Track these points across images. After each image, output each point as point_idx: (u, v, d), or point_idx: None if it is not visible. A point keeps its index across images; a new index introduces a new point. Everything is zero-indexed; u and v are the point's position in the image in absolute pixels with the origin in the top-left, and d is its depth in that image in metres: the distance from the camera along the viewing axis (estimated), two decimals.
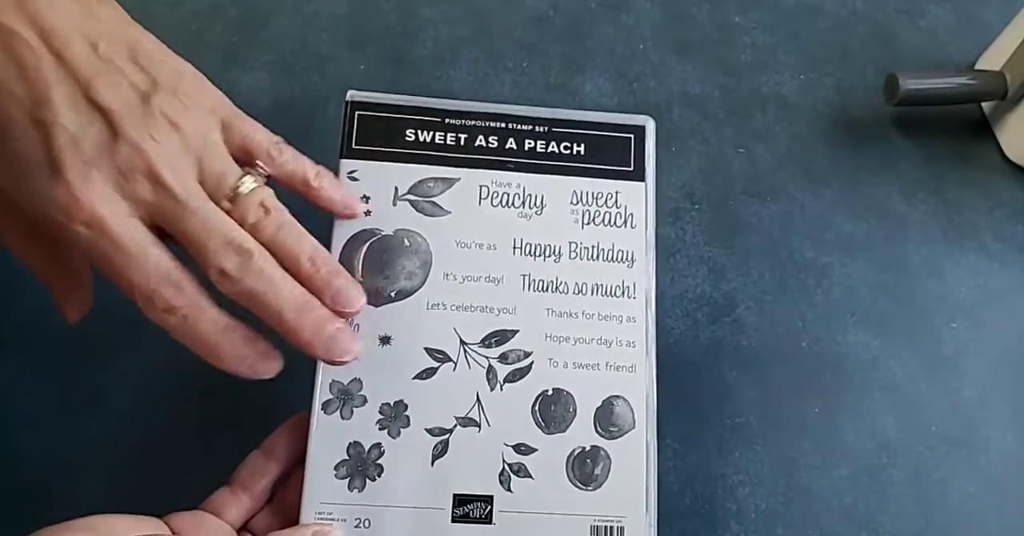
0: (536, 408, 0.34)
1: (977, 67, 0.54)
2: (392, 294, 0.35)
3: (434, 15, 0.55)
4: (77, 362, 0.44)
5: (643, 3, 0.57)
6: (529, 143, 0.37)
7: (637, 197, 0.37)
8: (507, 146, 0.37)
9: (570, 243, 0.36)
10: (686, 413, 0.44)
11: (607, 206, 0.37)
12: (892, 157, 0.52)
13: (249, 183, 0.32)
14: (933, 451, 0.44)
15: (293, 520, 0.33)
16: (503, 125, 0.37)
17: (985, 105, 0.54)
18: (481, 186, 0.36)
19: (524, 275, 0.35)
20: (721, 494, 0.43)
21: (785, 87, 0.54)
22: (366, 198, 0.36)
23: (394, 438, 0.33)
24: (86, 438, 0.42)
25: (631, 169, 0.37)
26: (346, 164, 0.36)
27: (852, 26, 0.57)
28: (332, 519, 0.32)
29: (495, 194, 0.36)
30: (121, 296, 0.45)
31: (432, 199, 0.36)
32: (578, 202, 0.36)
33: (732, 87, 0.54)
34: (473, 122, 0.37)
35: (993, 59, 0.53)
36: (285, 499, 0.34)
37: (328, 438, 0.33)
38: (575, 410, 0.34)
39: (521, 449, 0.34)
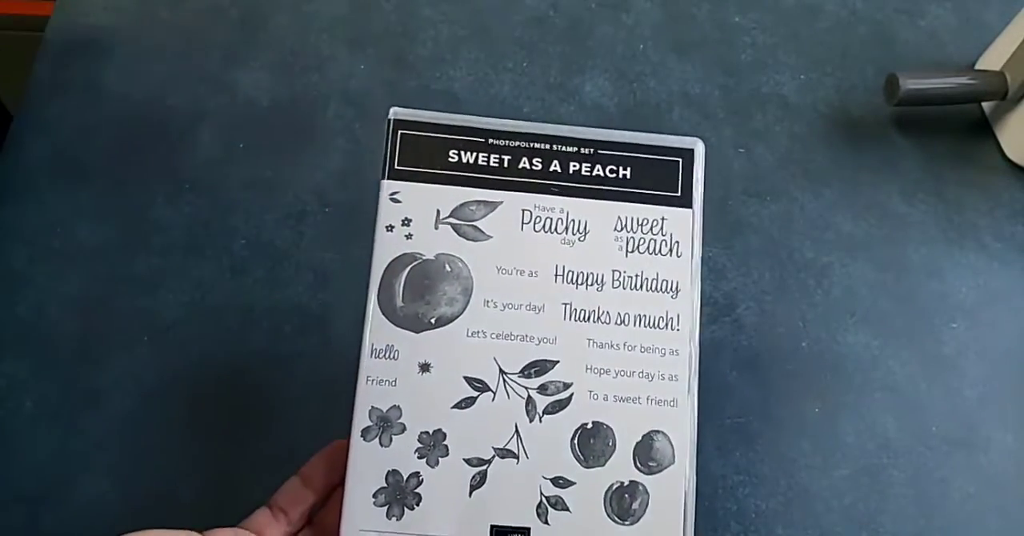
0: (575, 441, 0.34)
1: (977, 67, 0.54)
2: (432, 320, 0.34)
3: (434, 15, 0.55)
4: (77, 363, 0.44)
5: (643, 3, 0.57)
6: (574, 166, 0.36)
7: (684, 224, 0.36)
8: (551, 169, 0.36)
9: (613, 271, 0.35)
10: None
11: (652, 233, 0.35)
12: (892, 157, 0.52)
13: None
14: (933, 451, 0.44)
15: None
16: (547, 146, 0.36)
17: (985, 105, 0.54)
18: (524, 210, 0.35)
19: (565, 304, 0.35)
20: (721, 494, 0.43)
21: (785, 87, 0.54)
22: (407, 221, 0.35)
23: (432, 467, 0.33)
24: (86, 439, 0.42)
25: (678, 195, 0.36)
26: (388, 185, 0.35)
27: (852, 26, 0.57)
28: None
29: (538, 219, 0.35)
30: (120, 298, 0.45)
31: (474, 223, 0.35)
32: (623, 228, 0.35)
33: (732, 87, 0.54)
34: (517, 143, 0.36)
35: (993, 59, 0.53)
36: (324, 523, 0.34)
37: (367, 465, 0.33)
38: (614, 444, 0.34)
39: (559, 482, 0.33)
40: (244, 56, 0.53)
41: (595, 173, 0.36)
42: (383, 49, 0.54)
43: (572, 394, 0.34)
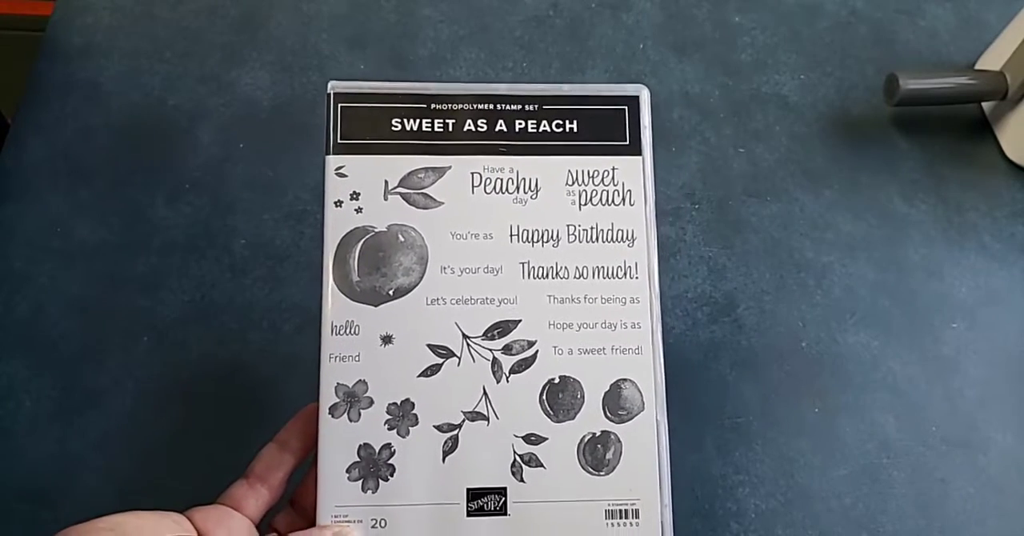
0: (543, 397, 0.34)
1: (977, 67, 0.54)
2: (390, 292, 0.34)
3: (434, 15, 0.55)
4: (77, 363, 0.44)
5: (643, 3, 0.57)
6: (520, 123, 0.36)
7: (634, 172, 0.36)
8: (497, 129, 0.36)
9: (568, 226, 0.35)
10: (686, 413, 0.44)
11: (604, 184, 0.36)
12: (892, 157, 0.52)
13: None
14: (933, 451, 0.44)
15: (313, 522, 0.33)
16: (491, 106, 0.36)
17: (985, 105, 0.54)
18: (473, 173, 0.35)
19: (523, 263, 0.35)
20: (721, 494, 0.43)
21: (785, 87, 0.54)
22: (356, 194, 0.35)
23: (403, 437, 0.33)
24: (86, 439, 0.42)
25: (627, 143, 0.36)
26: (333, 160, 0.35)
27: (852, 26, 0.57)
28: (348, 521, 0.32)
29: (488, 181, 0.35)
30: (120, 298, 0.45)
31: (424, 190, 0.35)
32: (574, 182, 0.36)
33: (732, 87, 0.54)
34: (460, 105, 0.36)
35: (993, 59, 0.53)
36: (303, 503, 0.34)
37: (338, 441, 0.33)
38: (583, 396, 0.34)
39: (531, 439, 0.34)
40: (244, 56, 0.53)
41: (542, 129, 0.36)
42: (383, 49, 0.54)
43: (537, 351, 0.34)
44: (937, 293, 0.48)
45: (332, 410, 0.33)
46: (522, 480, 0.33)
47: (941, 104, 0.52)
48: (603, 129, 0.36)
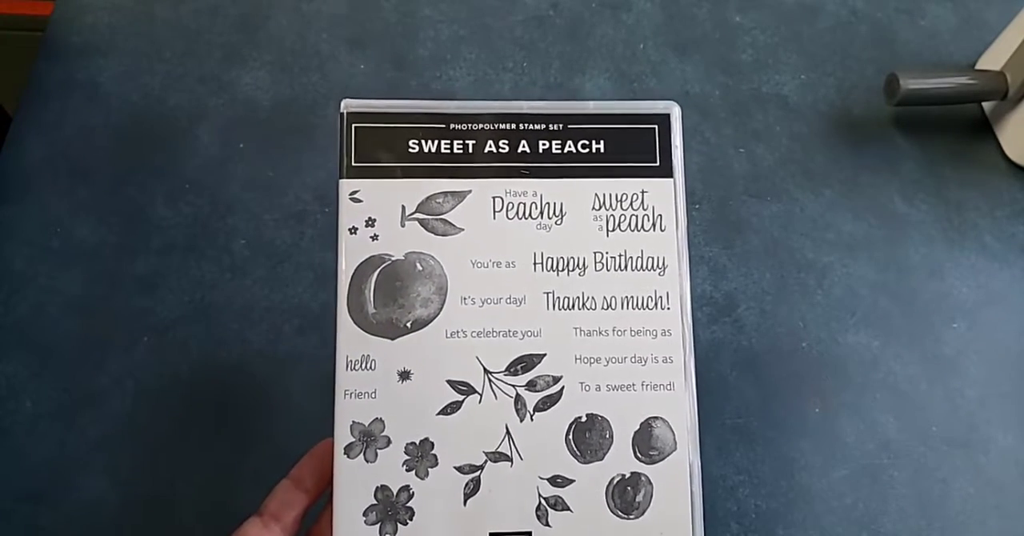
0: (570, 437, 0.32)
1: (977, 67, 0.54)
2: (408, 324, 0.32)
3: (434, 15, 0.55)
4: (77, 363, 0.44)
5: (643, 3, 0.57)
6: (543, 144, 0.34)
7: (665, 195, 0.34)
8: (519, 150, 0.34)
9: (595, 253, 0.33)
10: None
11: (633, 208, 0.34)
12: (892, 157, 0.52)
13: None
14: (933, 451, 0.44)
15: None
16: (513, 126, 0.34)
17: (985, 105, 0.54)
18: (494, 197, 0.33)
19: (547, 293, 0.33)
20: (721, 494, 0.43)
21: (785, 87, 0.54)
22: (371, 221, 0.33)
23: (423, 479, 0.32)
24: (85, 439, 0.42)
25: (657, 164, 0.34)
26: (347, 185, 0.33)
27: (852, 26, 0.57)
28: None
29: (510, 205, 0.33)
30: (120, 298, 0.45)
31: (443, 216, 0.33)
32: (601, 207, 0.34)
33: (732, 87, 0.54)
34: (480, 125, 0.34)
35: (993, 59, 0.53)
36: None
37: (354, 483, 0.31)
38: (611, 436, 0.32)
39: (557, 481, 0.32)
40: (244, 56, 0.53)
41: (567, 150, 0.34)
42: (383, 49, 0.54)
43: (563, 388, 0.32)
44: (937, 293, 0.48)
45: (348, 450, 0.32)
46: (548, 524, 0.32)
47: (941, 104, 0.52)
48: (632, 149, 0.34)
